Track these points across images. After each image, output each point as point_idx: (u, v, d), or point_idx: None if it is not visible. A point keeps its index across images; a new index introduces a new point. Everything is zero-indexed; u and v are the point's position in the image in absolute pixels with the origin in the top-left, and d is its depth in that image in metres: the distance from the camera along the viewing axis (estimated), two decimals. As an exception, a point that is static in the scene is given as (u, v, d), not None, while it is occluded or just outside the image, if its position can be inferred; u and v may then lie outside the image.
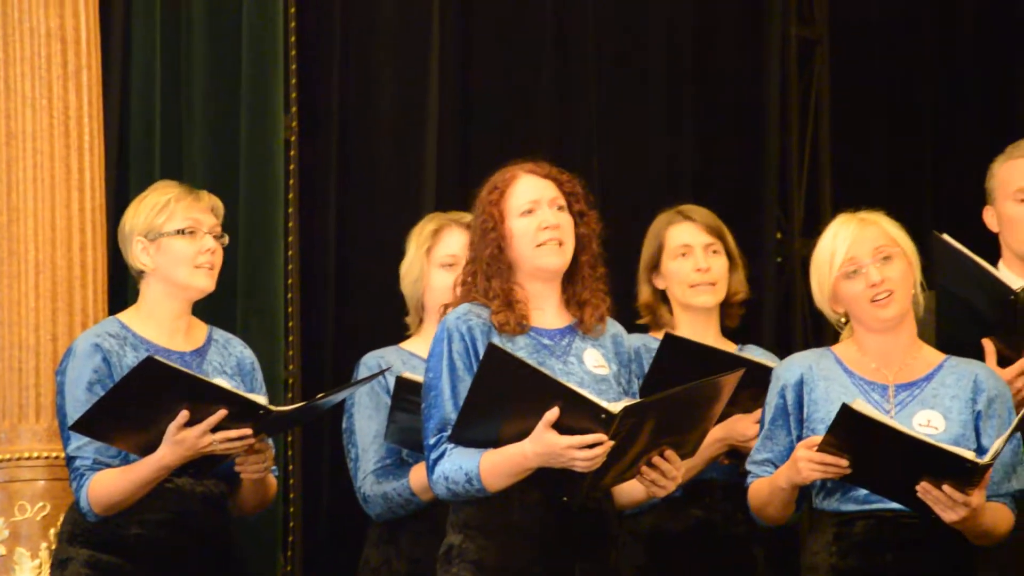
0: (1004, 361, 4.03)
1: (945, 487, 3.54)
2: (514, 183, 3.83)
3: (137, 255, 4.09)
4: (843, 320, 3.87)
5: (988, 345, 4.08)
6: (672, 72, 6.24)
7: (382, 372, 4.26)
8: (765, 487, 3.82)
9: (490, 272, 3.79)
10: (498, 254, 3.79)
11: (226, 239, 4.14)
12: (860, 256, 3.79)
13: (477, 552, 3.69)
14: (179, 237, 4.06)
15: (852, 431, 3.56)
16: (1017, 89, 6.70)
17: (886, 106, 6.67)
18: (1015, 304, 4.06)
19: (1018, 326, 4.07)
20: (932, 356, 3.85)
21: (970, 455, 3.52)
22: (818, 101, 6.54)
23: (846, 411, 3.53)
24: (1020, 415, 3.58)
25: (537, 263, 3.80)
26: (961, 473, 3.52)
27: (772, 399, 3.86)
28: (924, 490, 3.56)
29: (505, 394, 3.59)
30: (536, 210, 3.80)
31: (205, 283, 4.09)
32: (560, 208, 3.82)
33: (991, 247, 4.40)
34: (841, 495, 3.74)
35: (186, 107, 5.13)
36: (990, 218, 4.42)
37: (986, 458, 3.54)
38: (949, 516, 3.57)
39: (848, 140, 6.60)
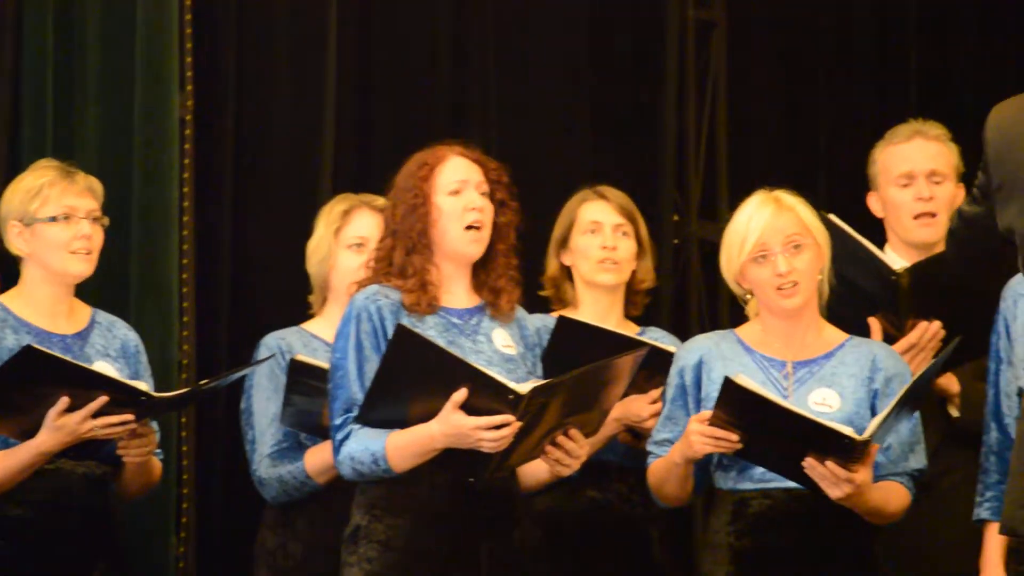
0: (889, 339, 4.08)
1: (828, 463, 3.56)
2: (444, 162, 3.85)
3: (12, 239, 4.05)
4: (747, 296, 3.89)
5: (874, 323, 4.14)
6: (569, 54, 6.24)
7: (266, 359, 4.26)
8: (663, 465, 3.83)
9: (413, 248, 3.79)
10: (424, 230, 3.80)
11: (106, 220, 4.09)
12: (771, 244, 3.79)
13: (384, 532, 3.69)
14: (53, 224, 4.01)
15: (737, 405, 3.58)
16: (910, 75, 6.77)
17: (783, 89, 6.71)
18: (896, 284, 4.12)
19: (900, 305, 4.13)
20: (834, 336, 3.87)
21: (849, 431, 3.54)
22: (715, 83, 6.57)
23: (729, 384, 3.55)
24: (900, 394, 3.60)
25: (460, 248, 3.81)
26: (842, 449, 3.54)
27: (672, 380, 3.87)
28: (809, 466, 3.58)
29: (413, 375, 3.59)
30: (463, 191, 3.82)
31: (81, 268, 4.04)
32: (484, 194, 3.85)
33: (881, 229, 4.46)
34: (738, 473, 3.76)
35: (79, 85, 5.06)
36: (874, 204, 4.46)
37: (864, 434, 3.55)
38: (834, 492, 3.59)
39: (745, 122, 6.63)
